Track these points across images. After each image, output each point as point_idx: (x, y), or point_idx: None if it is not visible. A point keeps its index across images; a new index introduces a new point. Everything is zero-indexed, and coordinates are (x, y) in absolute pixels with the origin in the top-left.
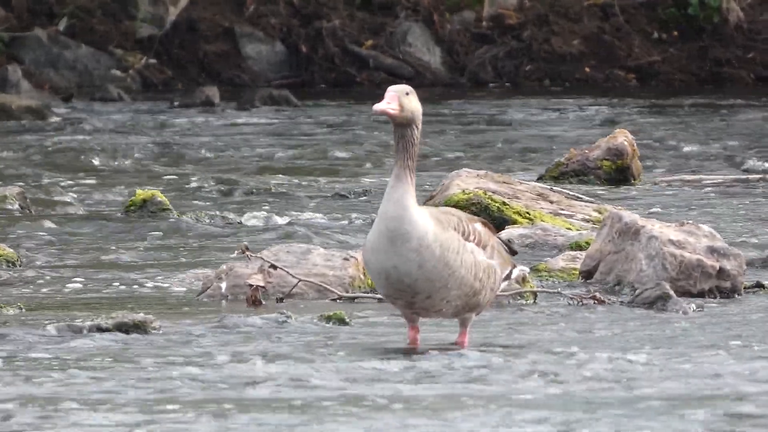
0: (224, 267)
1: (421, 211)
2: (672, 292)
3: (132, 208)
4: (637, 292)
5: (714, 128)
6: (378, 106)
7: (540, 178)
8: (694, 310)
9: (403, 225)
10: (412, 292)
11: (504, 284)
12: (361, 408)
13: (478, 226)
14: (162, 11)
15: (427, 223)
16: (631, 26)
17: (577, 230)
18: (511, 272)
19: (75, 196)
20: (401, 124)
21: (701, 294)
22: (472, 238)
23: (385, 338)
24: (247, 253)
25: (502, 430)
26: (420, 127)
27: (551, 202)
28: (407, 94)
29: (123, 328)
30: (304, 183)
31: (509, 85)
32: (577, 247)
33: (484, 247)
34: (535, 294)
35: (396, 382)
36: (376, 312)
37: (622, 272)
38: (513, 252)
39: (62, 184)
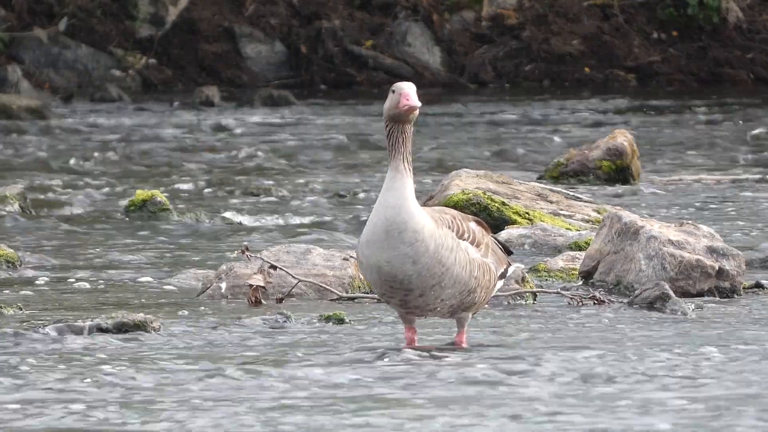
0: (224, 267)
1: (419, 206)
2: (671, 293)
3: (132, 208)
4: (637, 292)
5: (713, 128)
6: (417, 102)
7: (540, 178)
8: (693, 311)
9: (401, 214)
10: (405, 289)
11: (500, 283)
12: (360, 408)
13: (473, 225)
14: (162, 11)
15: (424, 218)
16: (631, 26)
17: (577, 230)
18: (506, 271)
19: (75, 196)
20: (409, 121)
21: (700, 294)
22: (466, 236)
23: (384, 338)
24: (247, 253)
25: (500, 430)
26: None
27: (551, 202)
28: None
29: (123, 328)
30: (303, 183)
31: (509, 85)
32: (577, 247)
33: (478, 246)
34: (534, 294)
35: (395, 382)
36: (376, 312)
37: (622, 272)
38: (508, 252)
39: (62, 184)
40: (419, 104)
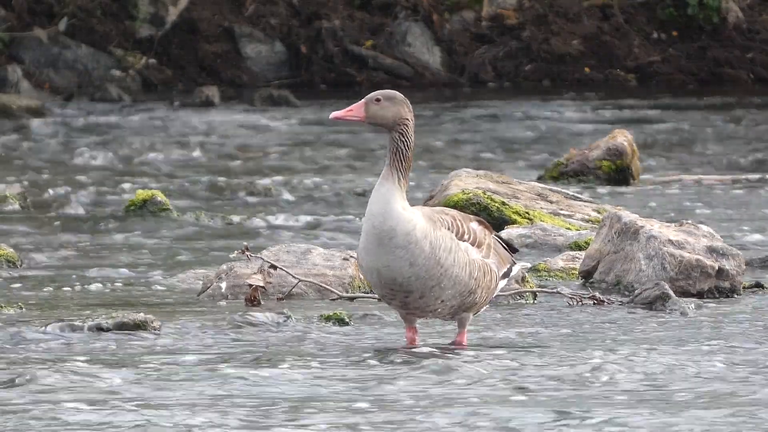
0: (224, 267)
1: (408, 208)
2: (671, 292)
3: (132, 208)
4: (637, 292)
5: (713, 128)
6: (334, 113)
7: (540, 178)
8: (693, 310)
9: (387, 221)
10: (405, 291)
11: (503, 282)
12: (360, 408)
13: (474, 225)
14: (162, 11)
15: (414, 219)
16: (631, 26)
17: (577, 230)
18: (510, 270)
19: (75, 196)
20: (389, 129)
21: (700, 294)
22: (466, 237)
23: (384, 338)
24: (247, 253)
25: (500, 429)
26: (405, 132)
27: (551, 202)
28: (377, 100)
29: (123, 327)
30: (303, 183)
31: (509, 85)
32: (577, 247)
33: (479, 246)
34: (534, 294)
35: (395, 383)
36: (376, 312)
37: (622, 272)
38: (513, 250)
39: (62, 183)
40: (334, 115)
